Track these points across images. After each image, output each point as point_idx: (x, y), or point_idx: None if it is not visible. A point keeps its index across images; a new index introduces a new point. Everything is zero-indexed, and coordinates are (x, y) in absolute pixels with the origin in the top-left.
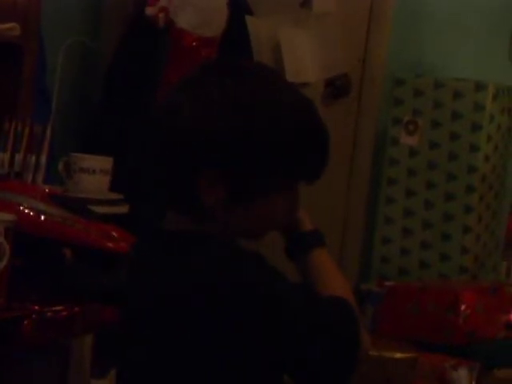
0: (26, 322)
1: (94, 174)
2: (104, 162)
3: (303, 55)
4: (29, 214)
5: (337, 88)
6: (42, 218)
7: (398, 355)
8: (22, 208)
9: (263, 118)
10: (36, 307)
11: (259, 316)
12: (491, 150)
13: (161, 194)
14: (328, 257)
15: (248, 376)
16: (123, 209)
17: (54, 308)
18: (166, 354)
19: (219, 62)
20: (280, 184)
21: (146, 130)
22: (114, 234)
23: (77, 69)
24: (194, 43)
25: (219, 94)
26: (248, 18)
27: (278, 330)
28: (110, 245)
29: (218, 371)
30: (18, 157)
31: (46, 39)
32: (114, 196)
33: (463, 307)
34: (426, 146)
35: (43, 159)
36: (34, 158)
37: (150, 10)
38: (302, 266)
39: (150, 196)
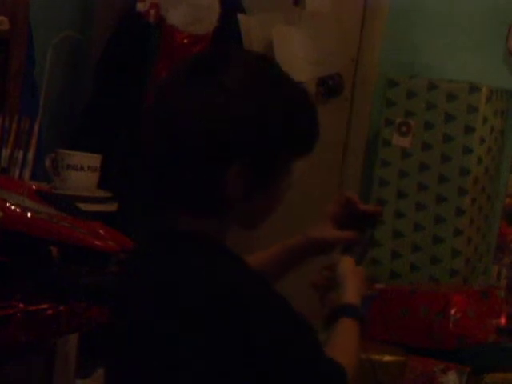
0: (10, 321)
1: (82, 171)
2: (92, 159)
3: (296, 54)
4: (15, 210)
5: (329, 87)
6: (29, 215)
7: (388, 358)
8: (8, 204)
9: (274, 103)
10: (21, 305)
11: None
12: (484, 152)
13: (155, 193)
14: (355, 331)
15: None
16: (111, 207)
17: (39, 306)
18: (157, 355)
19: (220, 52)
20: (288, 166)
21: (140, 130)
22: (102, 232)
23: (66, 64)
24: (185, 40)
25: (230, 84)
26: (240, 16)
27: (269, 353)
28: (98, 243)
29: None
30: (5, 152)
31: (35, 33)
32: (103, 194)
33: (453, 311)
34: (419, 148)
35: (31, 155)
36: (21, 153)
37: (140, 6)
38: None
39: (140, 194)
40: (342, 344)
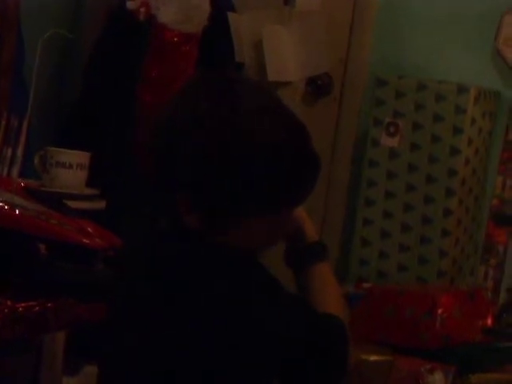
0: None
1: (70, 169)
2: (81, 157)
3: (285, 53)
4: (3, 207)
5: (318, 87)
6: (17, 211)
7: (374, 358)
8: None
9: (238, 148)
10: (8, 302)
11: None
12: (472, 153)
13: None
14: (328, 271)
15: None
16: (100, 204)
17: (26, 303)
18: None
19: (209, 79)
20: (254, 211)
21: (129, 128)
22: (90, 229)
23: (55, 61)
24: (175, 39)
25: (194, 119)
26: (230, 15)
27: (273, 347)
28: (86, 241)
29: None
30: None
31: (25, 30)
32: (91, 191)
33: (440, 311)
34: (407, 148)
35: (19, 152)
36: (10, 150)
37: (131, 4)
38: (300, 278)
39: (129, 192)
40: (326, 294)
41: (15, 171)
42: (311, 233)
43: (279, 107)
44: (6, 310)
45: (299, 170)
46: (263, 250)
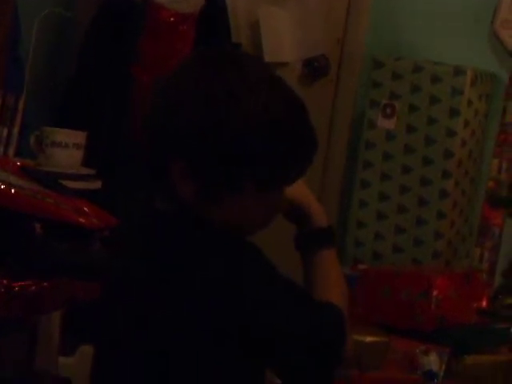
0: None
1: (66, 149)
2: (77, 136)
3: (282, 34)
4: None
5: (315, 69)
6: (13, 191)
7: (369, 339)
8: None
9: (234, 123)
10: (4, 281)
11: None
12: (468, 135)
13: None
14: (334, 259)
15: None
16: (96, 184)
17: (22, 283)
18: (153, 331)
19: (206, 54)
20: (250, 187)
21: (125, 107)
22: (86, 209)
23: (51, 39)
24: (172, 18)
25: (193, 86)
26: None
27: (267, 331)
28: (82, 220)
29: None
30: None
31: (21, 9)
32: (87, 171)
33: (435, 293)
34: (403, 130)
35: (15, 131)
36: (6, 130)
37: None
38: (305, 263)
39: (125, 172)
40: (330, 282)
41: (11, 151)
42: (319, 217)
43: (278, 83)
44: (2, 289)
45: (297, 148)
46: (258, 229)
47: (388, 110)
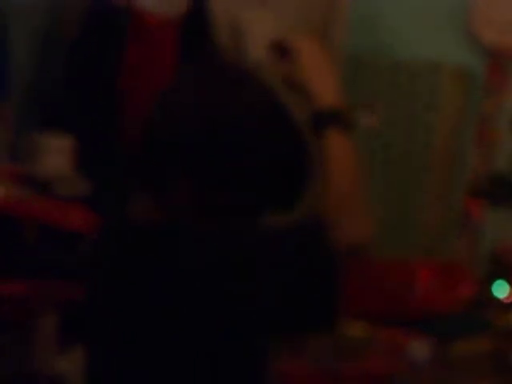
0: None
1: (55, 154)
2: (66, 142)
3: (264, 39)
4: None
5: None
6: (4, 196)
7: (355, 330)
8: None
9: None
10: None
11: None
12: (447, 130)
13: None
14: (338, 142)
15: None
16: (85, 188)
17: (14, 285)
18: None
19: (202, 68)
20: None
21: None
22: (76, 213)
23: (39, 44)
24: (155, 22)
25: (187, 107)
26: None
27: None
28: (72, 224)
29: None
30: None
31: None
32: (77, 176)
33: (419, 283)
34: (383, 127)
35: (5, 137)
36: None
37: None
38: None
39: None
40: (333, 166)
41: (1, 156)
42: (324, 95)
43: (276, 108)
44: None
45: (288, 180)
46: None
47: (368, 108)
